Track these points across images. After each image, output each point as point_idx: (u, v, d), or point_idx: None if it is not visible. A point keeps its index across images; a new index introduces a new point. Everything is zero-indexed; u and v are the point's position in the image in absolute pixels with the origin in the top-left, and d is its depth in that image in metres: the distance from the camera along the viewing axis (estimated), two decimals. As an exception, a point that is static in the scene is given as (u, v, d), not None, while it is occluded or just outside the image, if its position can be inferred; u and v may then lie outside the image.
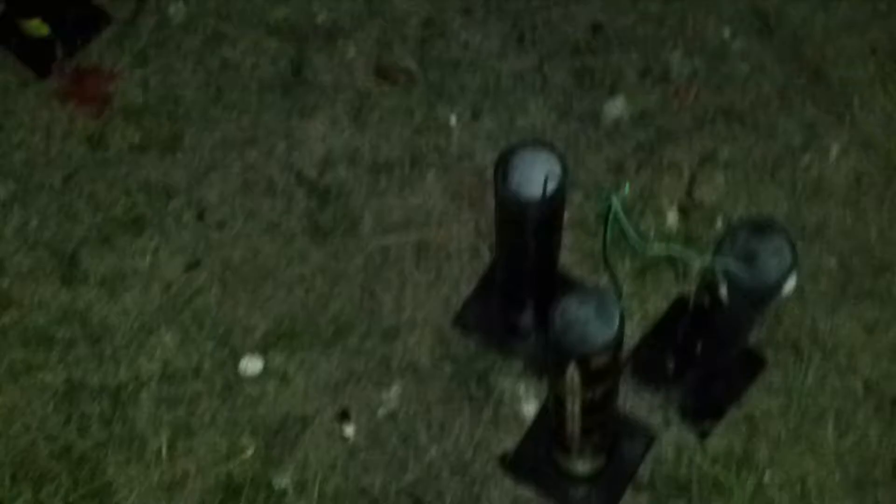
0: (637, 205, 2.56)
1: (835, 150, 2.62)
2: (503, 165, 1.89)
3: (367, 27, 2.83)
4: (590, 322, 1.76)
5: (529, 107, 2.70)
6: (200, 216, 2.63)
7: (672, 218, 2.56)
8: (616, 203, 1.74)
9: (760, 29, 2.77)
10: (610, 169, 2.62)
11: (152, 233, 2.62)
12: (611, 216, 1.76)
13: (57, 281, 2.54)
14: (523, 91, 2.73)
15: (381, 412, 2.39)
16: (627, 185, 2.50)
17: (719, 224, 2.54)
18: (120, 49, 2.83)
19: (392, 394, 2.41)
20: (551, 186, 1.86)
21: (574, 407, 1.93)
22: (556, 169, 1.88)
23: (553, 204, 1.93)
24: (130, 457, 2.37)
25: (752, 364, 2.39)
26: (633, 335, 2.40)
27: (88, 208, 2.65)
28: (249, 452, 2.36)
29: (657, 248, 2.03)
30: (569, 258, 2.48)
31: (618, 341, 1.77)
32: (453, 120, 2.71)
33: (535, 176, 1.88)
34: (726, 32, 2.77)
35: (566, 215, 2.09)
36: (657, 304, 2.45)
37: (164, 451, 2.37)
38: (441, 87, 2.74)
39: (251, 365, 2.43)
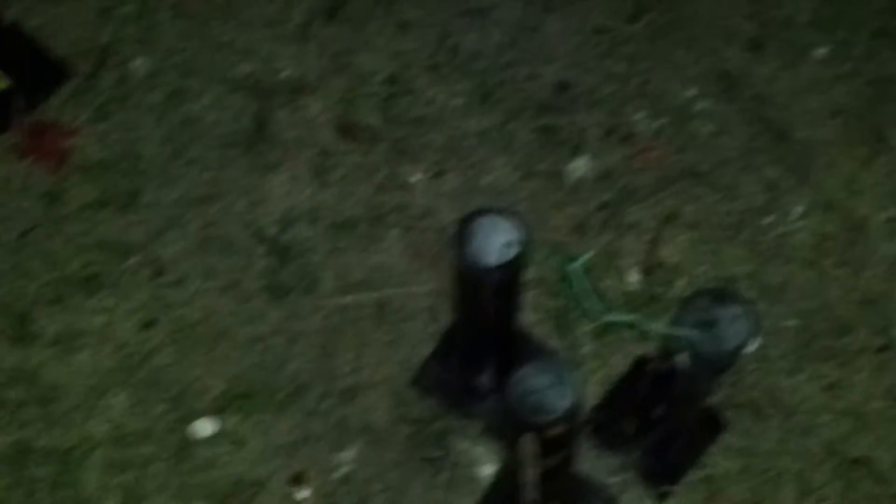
0: (599, 264, 2.54)
1: (797, 210, 2.63)
2: (462, 231, 1.86)
3: (332, 83, 2.83)
4: (547, 391, 1.74)
5: (493, 165, 2.70)
6: (157, 274, 2.61)
7: (634, 277, 2.55)
8: (575, 272, 1.72)
9: (724, 89, 2.78)
10: (573, 228, 2.60)
11: (107, 291, 2.59)
12: (570, 286, 1.74)
13: (7, 340, 2.51)
14: (487, 149, 2.73)
15: (337, 475, 2.37)
16: (587, 255, 2.47)
17: (682, 284, 2.52)
18: (80, 104, 2.83)
19: (348, 456, 2.37)
20: (510, 254, 1.84)
21: (531, 474, 1.90)
22: (517, 236, 1.85)
23: (511, 271, 1.90)
24: (79, 523, 2.32)
25: (711, 425, 2.39)
26: (592, 396, 2.37)
27: (43, 266, 2.63)
28: (201, 517, 2.32)
29: (616, 317, 2.02)
30: (530, 316, 2.49)
31: (575, 411, 1.74)
32: (416, 178, 2.70)
33: (494, 243, 1.85)
34: (690, 92, 2.79)
35: (528, 275, 2.06)
36: (617, 365, 2.44)
37: (113, 516, 2.32)
38: (405, 145, 2.74)
39: (204, 427, 2.40)
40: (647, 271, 2.55)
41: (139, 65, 2.85)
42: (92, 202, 2.70)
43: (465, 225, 1.89)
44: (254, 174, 2.72)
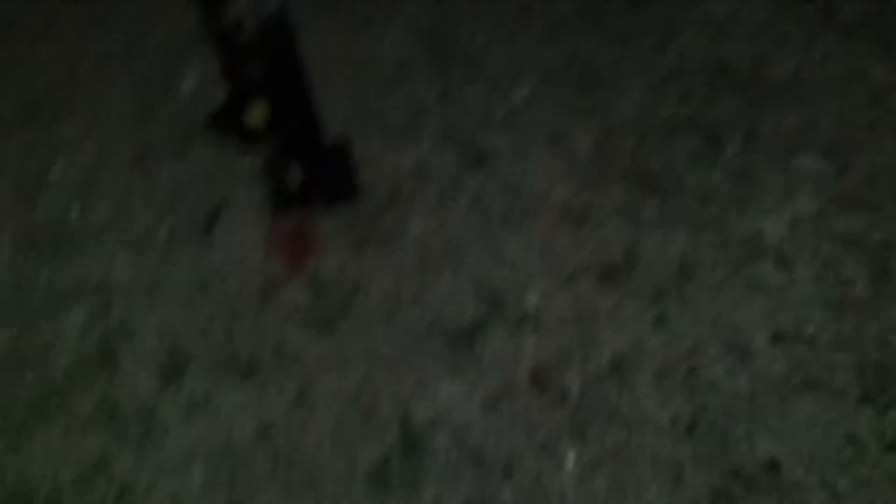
0: None
1: None
2: None
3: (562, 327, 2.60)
4: None
5: (658, 493, 2.26)
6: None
7: None
8: None
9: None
10: None
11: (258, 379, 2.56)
12: None
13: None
14: (661, 478, 2.31)
15: None
16: None
17: None
18: (348, 231, 2.84)
19: None
20: None
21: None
22: None
23: None
24: None
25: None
26: None
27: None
28: None
29: None
30: None
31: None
32: (570, 464, 2.38)
33: None
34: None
35: None
36: None
37: None
38: (583, 424, 2.44)
39: None
40: None
41: (416, 225, 2.86)
42: (295, 312, 2.71)
43: None
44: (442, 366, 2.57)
